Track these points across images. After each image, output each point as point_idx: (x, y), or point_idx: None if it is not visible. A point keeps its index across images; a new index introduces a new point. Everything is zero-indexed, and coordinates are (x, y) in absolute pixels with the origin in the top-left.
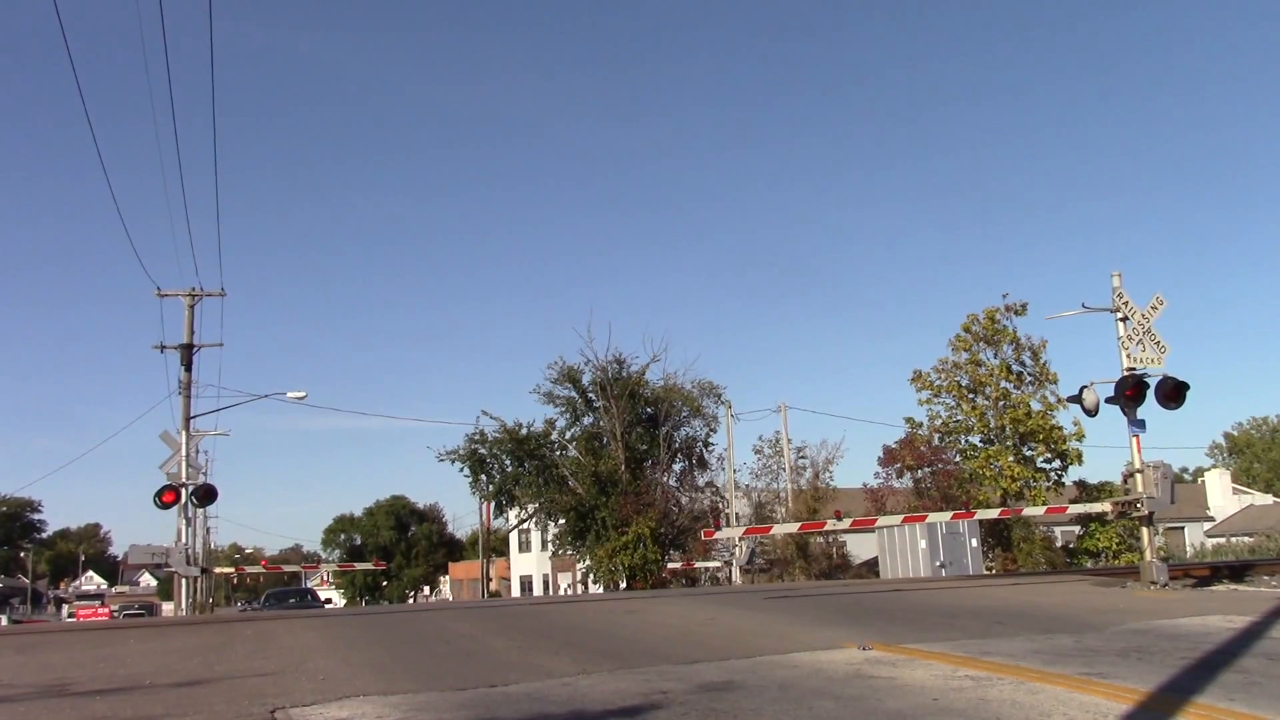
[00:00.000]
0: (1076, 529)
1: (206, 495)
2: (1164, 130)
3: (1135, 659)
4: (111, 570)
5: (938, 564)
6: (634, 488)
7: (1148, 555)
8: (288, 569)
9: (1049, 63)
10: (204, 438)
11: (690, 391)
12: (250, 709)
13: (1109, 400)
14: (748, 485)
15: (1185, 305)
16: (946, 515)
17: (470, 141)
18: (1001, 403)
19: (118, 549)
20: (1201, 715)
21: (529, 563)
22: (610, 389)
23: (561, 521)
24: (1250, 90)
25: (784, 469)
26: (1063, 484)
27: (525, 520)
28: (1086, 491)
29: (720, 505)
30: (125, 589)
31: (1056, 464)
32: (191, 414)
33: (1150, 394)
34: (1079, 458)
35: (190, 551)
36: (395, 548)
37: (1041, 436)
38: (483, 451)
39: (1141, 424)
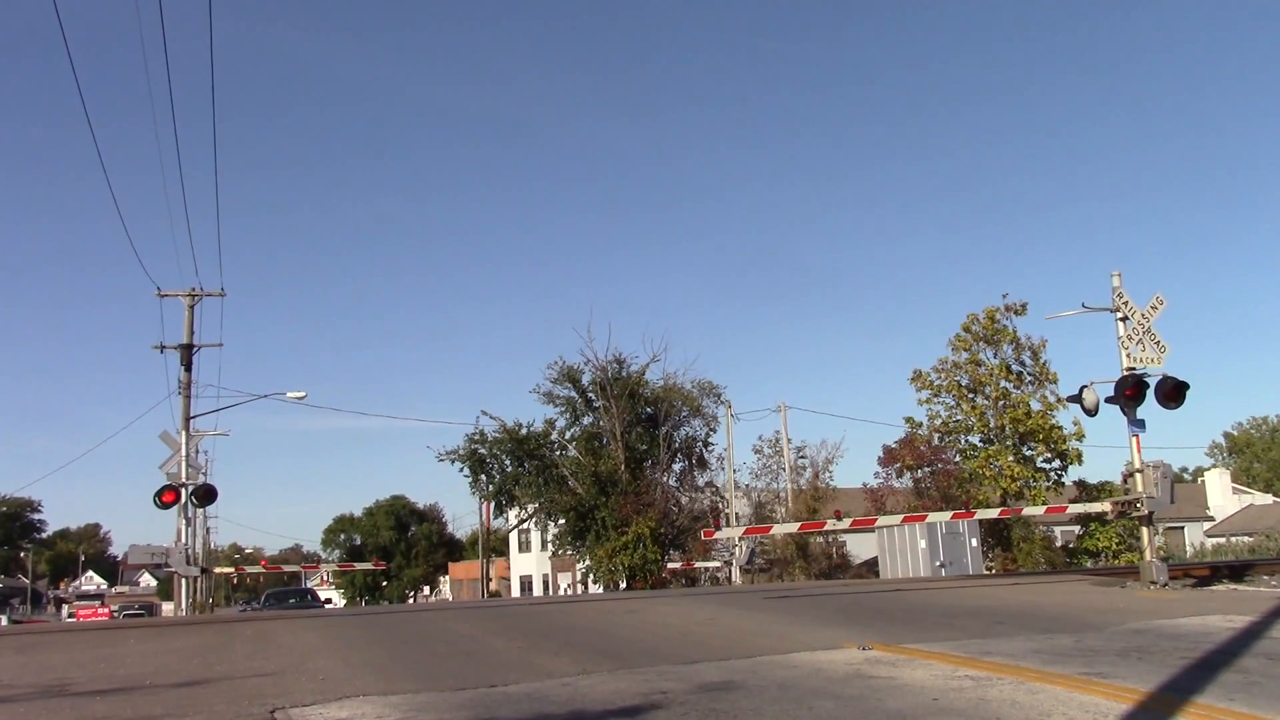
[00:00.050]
0: (1076, 529)
1: (206, 495)
2: (1164, 130)
3: (1135, 659)
4: (111, 570)
5: (937, 564)
6: (634, 488)
7: (1147, 555)
8: (288, 569)
9: (1049, 63)
10: (204, 438)
11: (690, 391)
12: (250, 709)
13: (1109, 400)
14: (748, 485)
15: (1185, 305)
16: (946, 515)
17: (470, 141)
18: (1001, 402)
19: (118, 549)
20: (1201, 715)
21: (529, 563)
22: (610, 389)
23: (561, 521)
24: (1250, 90)
25: (784, 469)
26: (1063, 484)
27: (525, 520)
28: (1086, 491)
29: (720, 505)
30: (125, 589)
31: (1056, 464)
32: (191, 414)
33: (1150, 394)
34: (1079, 457)
35: (190, 551)
36: (395, 548)
37: (1041, 436)
38: (483, 451)
39: (1141, 424)
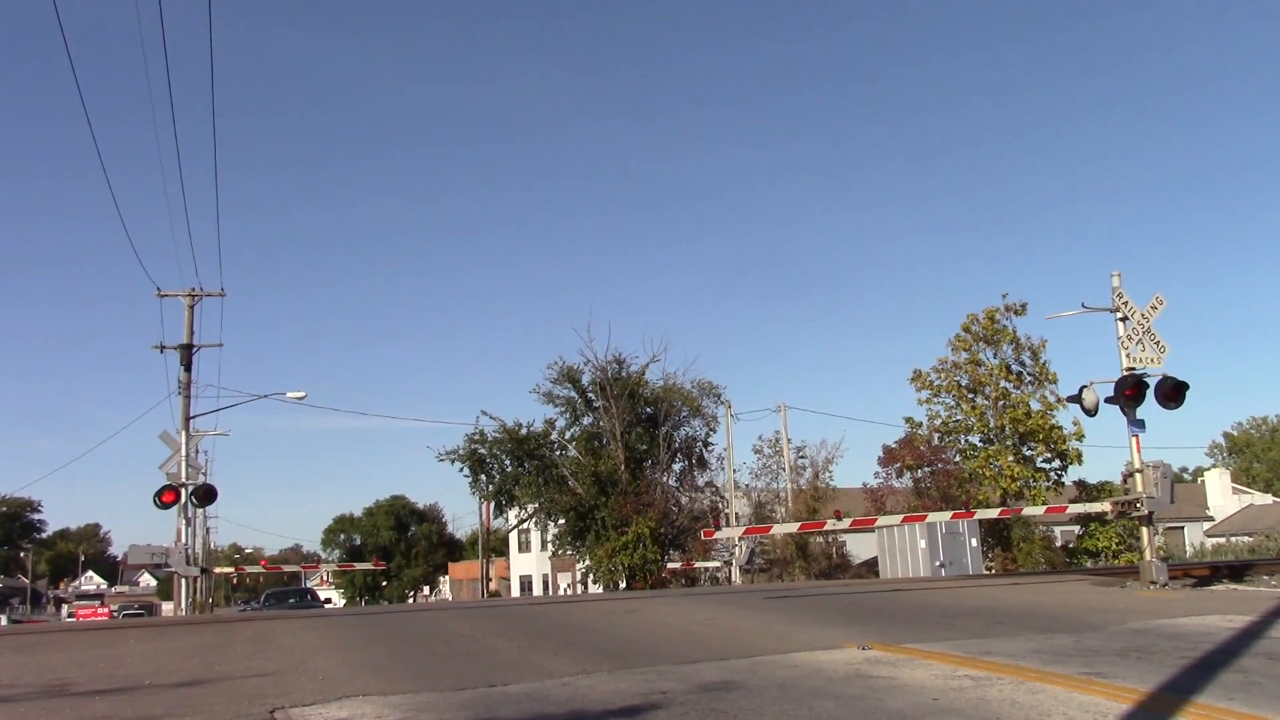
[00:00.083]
0: (1076, 529)
1: (206, 495)
2: (1164, 130)
3: (1135, 659)
4: (111, 570)
5: (937, 564)
6: (634, 488)
7: (1147, 555)
8: (287, 569)
9: (1049, 63)
10: (204, 438)
11: (690, 391)
12: (250, 709)
13: (1109, 400)
14: (747, 485)
15: (1185, 305)
16: (946, 515)
17: (470, 141)
18: (1001, 402)
19: (117, 549)
20: (1201, 715)
21: (529, 563)
22: (610, 389)
23: (561, 521)
24: (1250, 90)
25: (784, 469)
26: (1062, 484)
27: (525, 520)
28: (1086, 491)
29: (720, 505)
30: (125, 589)
31: (1056, 464)
32: (191, 414)
33: (1150, 394)
34: (1079, 457)
35: (190, 551)
36: (395, 548)
37: (1041, 436)
38: (482, 451)
39: (1141, 424)
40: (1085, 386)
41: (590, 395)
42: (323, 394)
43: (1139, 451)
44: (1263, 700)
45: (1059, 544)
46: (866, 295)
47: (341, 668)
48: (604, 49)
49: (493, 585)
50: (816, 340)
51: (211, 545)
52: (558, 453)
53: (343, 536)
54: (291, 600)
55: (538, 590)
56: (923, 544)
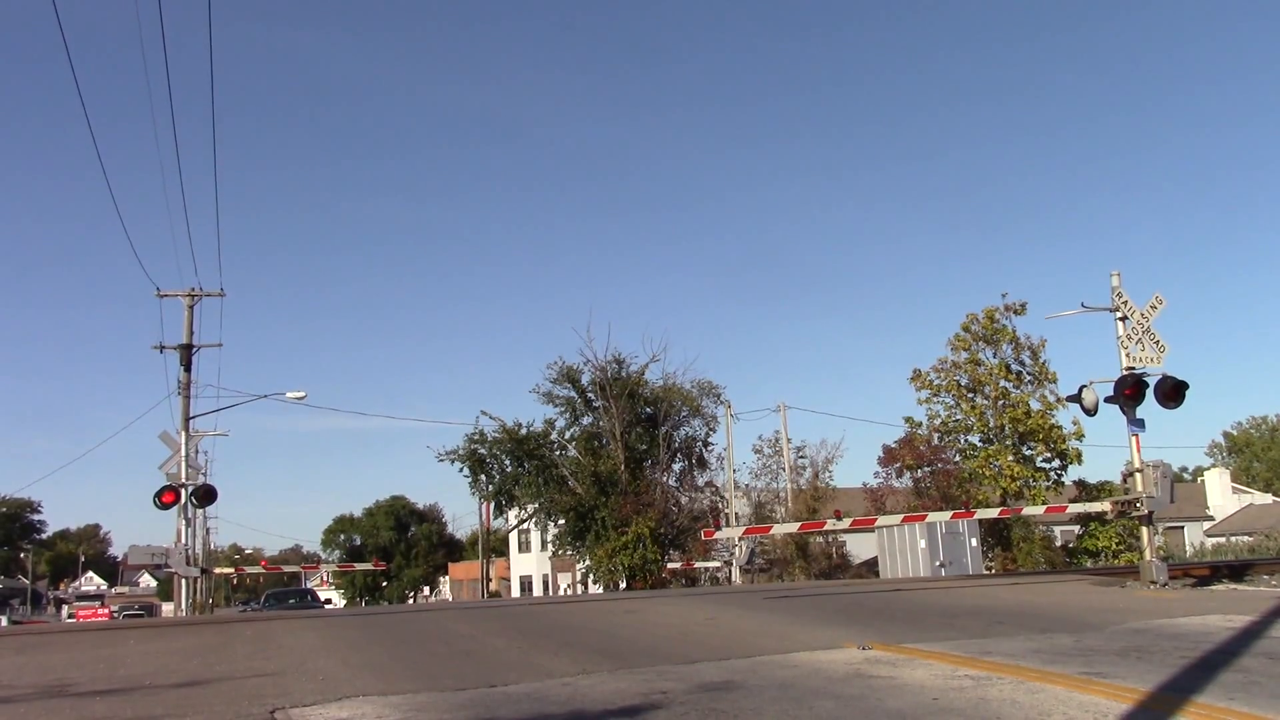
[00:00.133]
0: (1076, 529)
1: (206, 495)
2: (1164, 130)
3: (1135, 658)
4: (111, 571)
5: (937, 564)
6: (634, 488)
7: (1147, 555)
8: (287, 569)
9: (1049, 63)
10: (204, 438)
11: (690, 391)
12: (250, 709)
13: (1108, 399)
14: (747, 485)
15: (1185, 305)
16: (946, 515)
17: (470, 141)
18: (1001, 402)
19: (118, 549)
20: (1201, 715)
21: (529, 563)
22: (610, 389)
23: (561, 522)
24: (1250, 90)
25: (784, 469)
26: (1062, 483)
27: (525, 520)
28: (1086, 491)
29: (720, 505)
30: (125, 589)
31: (1056, 463)
32: (191, 414)
33: (1149, 393)
34: (1078, 457)
35: (190, 552)
36: (395, 548)
37: (1041, 436)
38: (482, 451)
39: (1141, 423)
40: (1085, 386)
41: (590, 395)
42: (322, 394)
43: (1139, 451)
44: (1263, 700)
45: (1059, 544)
46: (866, 295)
47: (341, 668)
48: (604, 49)
49: (493, 585)
50: (816, 340)
51: (211, 546)
52: (558, 453)
53: (343, 537)
54: (291, 601)
55: (538, 590)
56: (923, 544)
